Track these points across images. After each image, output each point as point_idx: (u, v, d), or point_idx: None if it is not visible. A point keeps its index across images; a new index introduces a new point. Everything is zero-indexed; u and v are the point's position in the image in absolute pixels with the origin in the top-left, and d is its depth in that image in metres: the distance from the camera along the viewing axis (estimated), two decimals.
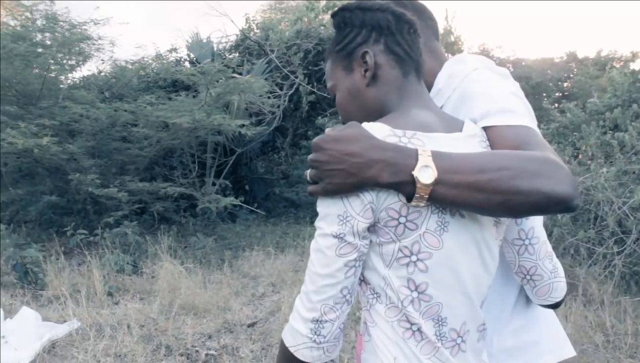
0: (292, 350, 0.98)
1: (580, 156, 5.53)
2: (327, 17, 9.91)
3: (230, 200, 7.28)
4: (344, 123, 1.10)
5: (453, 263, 0.97)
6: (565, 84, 15.20)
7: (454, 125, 1.05)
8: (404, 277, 0.96)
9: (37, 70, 7.32)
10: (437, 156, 0.90)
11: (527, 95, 1.27)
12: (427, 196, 0.90)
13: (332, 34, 9.42)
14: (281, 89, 8.75)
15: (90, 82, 9.42)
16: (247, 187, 9.17)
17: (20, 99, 7.28)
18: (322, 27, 9.69)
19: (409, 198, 0.91)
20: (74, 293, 4.86)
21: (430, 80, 1.29)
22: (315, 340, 0.96)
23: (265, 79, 7.77)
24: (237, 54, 9.29)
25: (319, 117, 8.56)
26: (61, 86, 8.18)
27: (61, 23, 7.74)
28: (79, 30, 7.82)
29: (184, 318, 4.50)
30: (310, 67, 9.22)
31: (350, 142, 0.91)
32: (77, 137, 7.24)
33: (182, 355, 3.76)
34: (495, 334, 1.27)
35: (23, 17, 8.08)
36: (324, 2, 9.22)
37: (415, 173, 0.89)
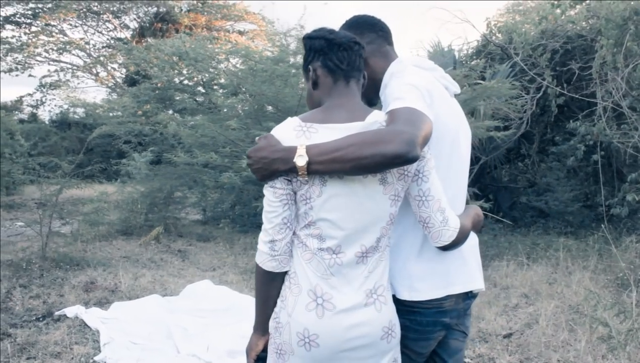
0: (260, 264, 1.55)
1: None
2: (574, 12, 9.16)
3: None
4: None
5: (330, 206, 1.49)
6: None
7: (358, 116, 1.53)
8: (302, 212, 1.53)
9: (287, 89, 8.01)
10: (309, 147, 1.44)
11: None
12: (306, 172, 1.44)
13: (580, 30, 8.77)
14: (527, 92, 8.28)
15: None
16: (491, 196, 8.79)
17: (280, 115, 8.03)
18: (569, 24, 8.99)
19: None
20: None
21: (381, 77, 1.77)
22: (271, 254, 1.53)
23: (511, 83, 7.39)
24: (479, 60, 9.01)
25: (570, 121, 7.86)
26: None
27: None
28: None
29: None
30: (558, 68, 8.58)
31: (261, 150, 1.49)
32: None
33: None
34: (408, 261, 1.67)
35: (279, 43, 8.94)
36: None
37: (295, 160, 1.43)
